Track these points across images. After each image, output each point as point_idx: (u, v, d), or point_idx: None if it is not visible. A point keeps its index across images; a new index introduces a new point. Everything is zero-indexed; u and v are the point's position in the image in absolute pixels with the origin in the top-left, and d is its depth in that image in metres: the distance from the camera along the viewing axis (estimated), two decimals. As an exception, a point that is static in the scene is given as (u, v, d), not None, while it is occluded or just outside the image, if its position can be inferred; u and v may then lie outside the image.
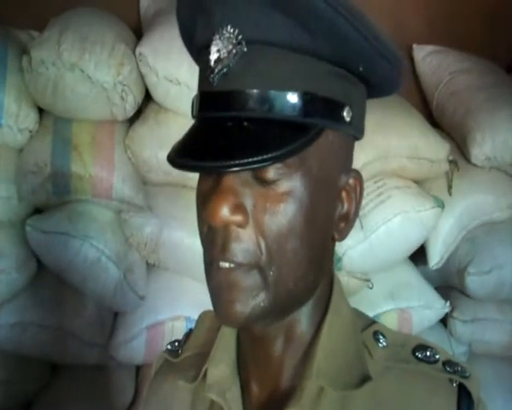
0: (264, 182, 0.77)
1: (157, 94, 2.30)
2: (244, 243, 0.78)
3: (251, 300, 0.79)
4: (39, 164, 2.15)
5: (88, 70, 2.13)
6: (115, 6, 2.52)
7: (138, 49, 2.22)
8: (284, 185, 0.77)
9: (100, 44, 2.18)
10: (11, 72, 2.21)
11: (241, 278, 0.78)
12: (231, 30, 0.76)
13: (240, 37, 0.76)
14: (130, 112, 2.28)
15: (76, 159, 2.17)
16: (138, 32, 2.45)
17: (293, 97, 0.76)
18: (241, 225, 0.77)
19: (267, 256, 0.78)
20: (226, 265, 0.78)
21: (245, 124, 0.76)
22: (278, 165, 0.76)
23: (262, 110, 0.76)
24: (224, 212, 0.76)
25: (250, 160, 0.73)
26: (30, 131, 2.23)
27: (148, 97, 2.36)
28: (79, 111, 2.24)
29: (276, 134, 0.75)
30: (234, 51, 0.76)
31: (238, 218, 0.77)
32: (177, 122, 2.25)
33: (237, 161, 0.73)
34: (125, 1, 2.65)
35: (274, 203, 0.77)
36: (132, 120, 2.35)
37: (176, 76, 2.20)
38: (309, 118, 0.77)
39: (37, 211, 2.29)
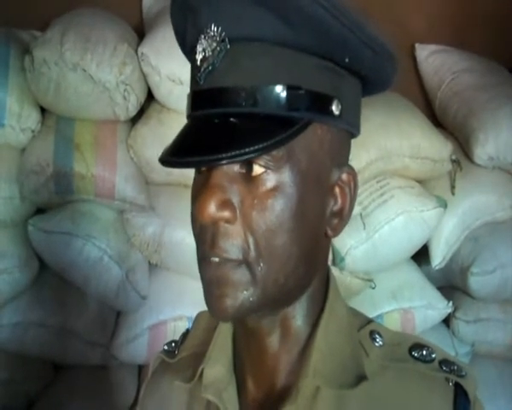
0: (251, 178, 0.78)
1: (159, 93, 2.30)
2: (232, 239, 0.78)
3: (240, 294, 0.79)
4: (41, 164, 2.16)
5: (90, 70, 2.14)
6: (118, 6, 2.52)
7: (140, 49, 2.22)
8: (272, 180, 0.77)
9: (102, 44, 2.18)
10: (13, 72, 2.21)
11: (230, 273, 0.79)
12: (215, 28, 0.77)
13: (223, 34, 0.77)
14: (133, 111, 2.29)
15: (78, 158, 2.18)
16: (141, 32, 2.46)
17: (277, 91, 0.77)
18: (228, 221, 0.78)
19: (255, 252, 0.78)
20: (216, 260, 0.79)
21: (231, 119, 0.77)
22: (266, 158, 0.76)
23: (247, 105, 0.76)
24: (212, 208, 0.76)
25: (236, 152, 0.73)
26: (32, 131, 2.23)
27: (150, 97, 2.37)
28: (82, 111, 2.24)
29: (261, 128, 0.76)
30: (218, 49, 0.77)
31: (225, 214, 0.77)
32: (180, 122, 2.20)
33: (223, 155, 0.73)
34: (128, 1, 2.66)
35: (261, 199, 0.77)
36: (135, 120, 2.35)
37: (178, 75, 2.20)
38: (294, 111, 0.77)
39: (40, 211, 2.30)
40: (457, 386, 0.86)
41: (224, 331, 0.96)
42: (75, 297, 2.27)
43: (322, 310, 0.89)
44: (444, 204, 2.39)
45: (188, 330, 1.11)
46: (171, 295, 2.32)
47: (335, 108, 0.80)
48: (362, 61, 0.82)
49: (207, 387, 0.91)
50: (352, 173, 0.87)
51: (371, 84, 0.88)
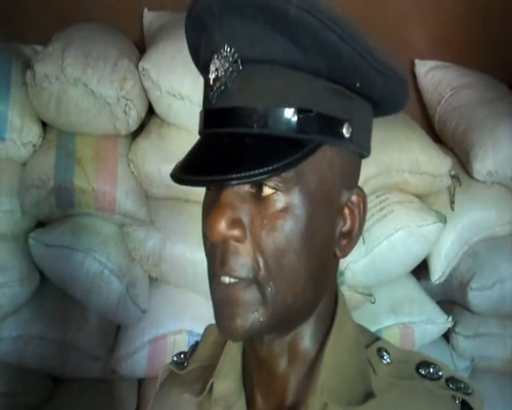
0: (261, 197, 0.78)
1: (160, 108, 2.31)
2: (242, 258, 0.79)
3: (250, 314, 0.80)
4: (43, 178, 2.16)
5: (91, 85, 2.15)
6: (119, 21, 2.54)
7: (141, 64, 2.23)
8: (282, 201, 0.78)
9: (103, 59, 2.19)
10: (15, 86, 2.22)
11: (241, 294, 0.79)
12: (228, 49, 0.78)
13: (236, 55, 0.78)
14: (134, 126, 2.29)
15: (79, 173, 2.18)
16: (141, 47, 2.47)
17: (287, 114, 0.77)
18: (238, 240, 0.78)
19: (265, 271, 0.79)
20: (226, 280, 0.79)
21: (242, 140, 0.77)
22: (275, 179, 0.77)
23: (258, 126, 0.77)
24: (222, 226, 0.77)
25: (246, 173, 0.74)
26: (33, 145, 2.24)
27: (151, 112, 2.37)
28: (82, 125, 2.24)
29: (272, 149, 0.76)
30: (230, 70, 0.78)
31: (235, 232, 0.78)
32: (180, 136, 2.26)
33: (233, 175, 0.74)
34: (129, 16, 2.67)
35: (271, 219, 0.78)
36: (135, 134, 2.35)
37: (178, 90, 2.21)
38: (304, 134, 0.78)
39: (41, 224, 2.30)
40: (464, 404, 0.86)
41: (234, 346, 0.96)
42: (75, 311, 2.27)
43: (330, 328, 0.90)
44: (443, 219, 2.40)
45: (197, 343, 1.11)
46: (172, 309, 2.32)
47: (346, 131, 0.81)
48: (373, 86, 0.82)
49: (217, 401, 0.93)
50: (362, 195, 0.87)
51: (382, 107, 0.88)
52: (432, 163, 2.43)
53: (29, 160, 2.26)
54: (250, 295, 0.79)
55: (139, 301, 2.26)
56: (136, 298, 2.25)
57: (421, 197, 2.53)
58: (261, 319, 0.80)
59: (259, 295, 0.80)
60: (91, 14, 2.50)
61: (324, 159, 0.81)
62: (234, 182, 0.76)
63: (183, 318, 2.28)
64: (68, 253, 2.16)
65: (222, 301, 0.81)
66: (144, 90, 2.27)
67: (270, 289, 0.79)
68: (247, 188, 0.79)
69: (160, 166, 2.21)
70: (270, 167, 0.74)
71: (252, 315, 0.80)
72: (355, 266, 2.31)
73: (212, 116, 0.81)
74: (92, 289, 2.19)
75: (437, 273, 2.51)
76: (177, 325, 2.27)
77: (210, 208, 0.80)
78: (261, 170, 0.74)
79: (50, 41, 2.26)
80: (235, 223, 0.78)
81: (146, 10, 2.67)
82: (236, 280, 0.79)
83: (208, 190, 0.84)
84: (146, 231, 2.26)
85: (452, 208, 2.49)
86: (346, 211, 0.86)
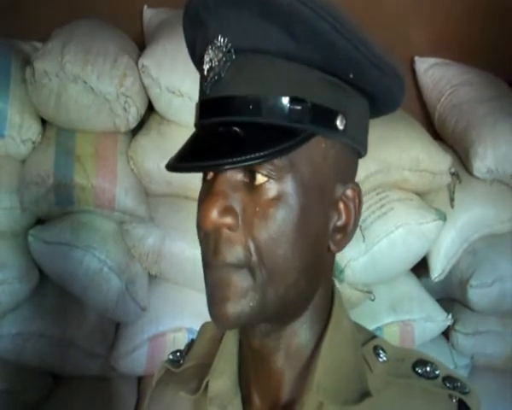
0: (254, 186, 0.79)
1: (159, 105, 2.30)
2: (235, 246, 0.79)
3: (241, 299, 0.80)
4: (42, 175, 2.16)
5: (91, 81, 2.14)
6: (118, 17, 2.53)
7: (141, 61, 2.22)
8: (274, 190, 0.78)
9: (103, 56, 2.19)
10: (15, 83, 2.22)
11: (233, 276, 0.80)
12: (221, 39, 0.79)
13: (229, 45, 0.79)
14: (133, 123, 2.29)
15: (79, 170, 2.18)
16: (141, 44, 2.46)
17: (280, 102, 0.78)
18: (230, 228, 0.79)
19: (257, 258, 0.79)
20: (219, 264, 0.80)
21: (235, 128, 0.78)
22: (268, 167, 0.77)
23: (251, 114, 0.78)
24: (214, 214, 0.77)
25: (237, 159, 0.75)
26: (33, 143, 2.24)
27: (150, 108, 2.37)
28: (82, 122, 2.24)
29: (264, 137, 0.77)
30: (224, 59, 0.79)
31: (227, 220, 0.78)
32: (180, 133, 2.25)
33: (225, 160, 0.75)
34: (129, 12, 2.67)
35: (263, 208, 0.78)
36: (135, 131, 2.35)
37: (178, 88, 2.20)
38: (297, 123, 0.78)
39: (40, 221, 2.30)
40: (461, 403, 0.86)
41: (230, 343, 0.96)
42: (75, 308, 2.27)
43: (326, 325, 0.89)
44: (443, 217, 2.40)
45: (193, 341, 1.11)
46: (171, 307, 2.32)
47: (339, 123, 0.81)
48: (367, 79, 0.82)
49: (213, 399, 0.92)
50: (357, 190, 0.87)
51: (379, 105, 0.88)
52: (432, 161, 2.43)
53: (28, 157, 2.26)
54: (241, 277, 0.80)
55: (138, 298, 2.26)
56: (136, 295, 2.25)
57: (420, 195, 2.53)
58: (251, 304, 0.80)
59: (251, 279, 0.80)
60: (91, 11, 2.50)
61: (318, 150, 0.81)
62: (226, 166, 0.77)
63: (183, 315, 2.28)
64: (67, 250, 2.15)
65: (214, 284, 0.81)
66: (144, 87, 2.27)
67: (261, 275, 0.80)
68: (239, 177, 0.80)
69: (160, 163, 2.21)
70: (262, 153, 0.75)
71: (242, 300, 0.80)
72: (355, 263, 2.31)
73: (207, 106, 0.82)
74: (91, 286, 2.19)
75: (437, 271, 2.51)
76: (176, 323, 2.27)
77: (203, 198, 0.81)
78: (253, 155, 0.75)
79: (50, 38, 2.26)
80: (228, 211, 0.78)
81: (146, 7, 2.67)
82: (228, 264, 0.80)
83: (204, 181, 0.85)
84: (145, 229, 2.25)
85: (452, 206, 2.49)
86: (341, 205, 0.86)
